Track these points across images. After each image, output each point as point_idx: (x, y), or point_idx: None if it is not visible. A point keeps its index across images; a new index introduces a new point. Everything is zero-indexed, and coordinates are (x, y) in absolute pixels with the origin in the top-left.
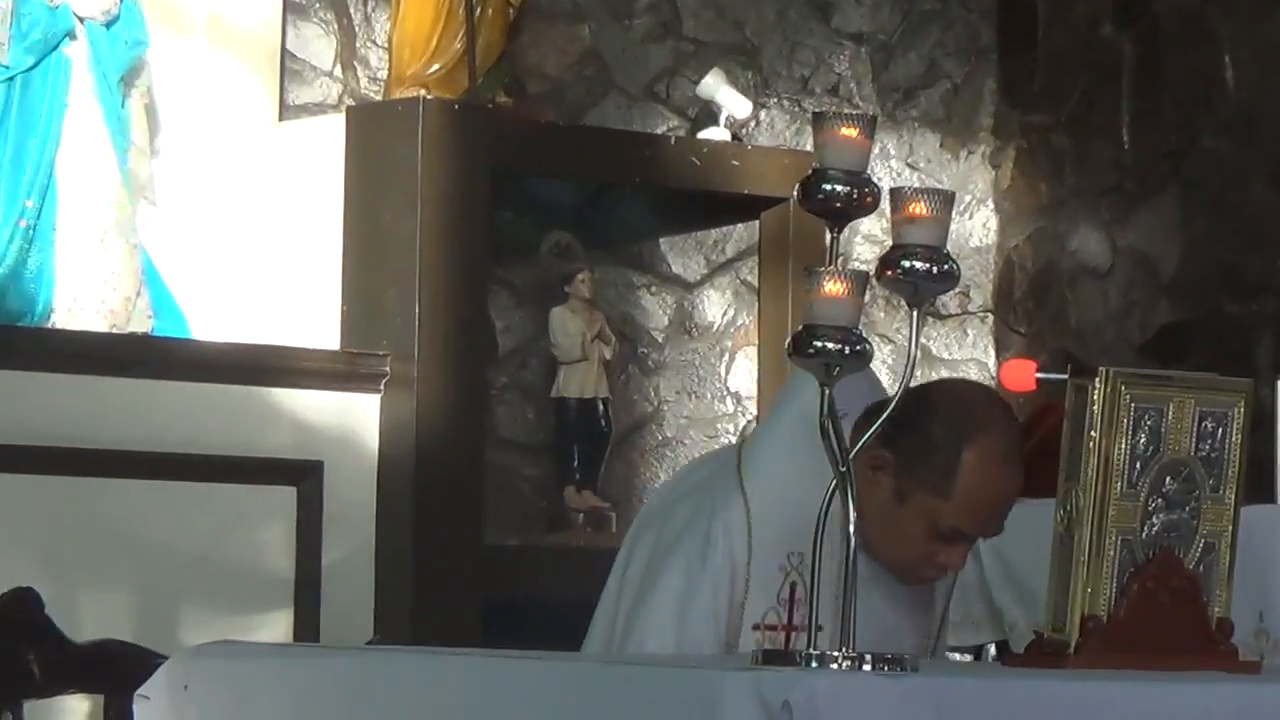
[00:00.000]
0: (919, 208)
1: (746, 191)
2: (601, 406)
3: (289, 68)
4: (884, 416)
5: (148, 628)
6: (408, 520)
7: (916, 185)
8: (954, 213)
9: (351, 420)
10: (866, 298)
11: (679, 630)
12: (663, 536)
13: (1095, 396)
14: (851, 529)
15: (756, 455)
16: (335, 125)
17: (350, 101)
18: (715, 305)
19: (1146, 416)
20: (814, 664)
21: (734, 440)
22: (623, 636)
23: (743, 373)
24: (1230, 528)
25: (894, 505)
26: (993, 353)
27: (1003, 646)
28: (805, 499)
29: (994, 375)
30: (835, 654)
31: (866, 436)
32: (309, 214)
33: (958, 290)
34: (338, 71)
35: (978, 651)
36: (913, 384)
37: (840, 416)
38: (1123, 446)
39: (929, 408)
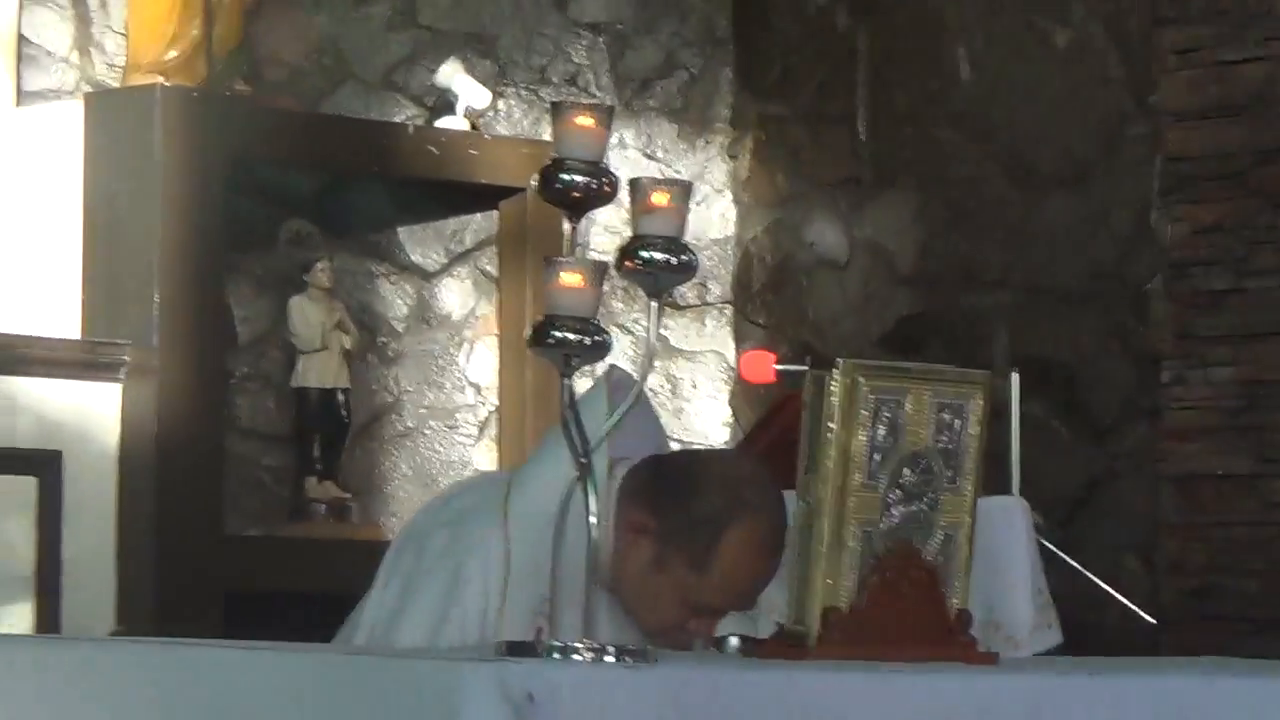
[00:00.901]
0: (657, 198)
1: (485, 181)
2: (342, 396)
3: (25, 53)
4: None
5: None
6: (149, 510)
7: (655, 175)
8: (692, 203)
9: (92, 410)
10: (605, 288)
11: None
12: (419, 563)
13: (833, 388)
14: (593, 520)
15: (523, 495)
16: (74, 111)
17: (88, 88)
18: (454, 295)
19: (885, 408)
20: (556, 655)
21: (488, 444)
22: None
23: (483, 363)
24: (968, 519)
25: (651, 571)
26: (732, 344)
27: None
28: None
29: (733, 366)
30: (579, 644)
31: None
32: (48, 201)
33: (696, 281)
34: (75, 57)
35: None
36: (651, 374)
37: (619, 460)
38: (861, 438)
39: (699, 481)
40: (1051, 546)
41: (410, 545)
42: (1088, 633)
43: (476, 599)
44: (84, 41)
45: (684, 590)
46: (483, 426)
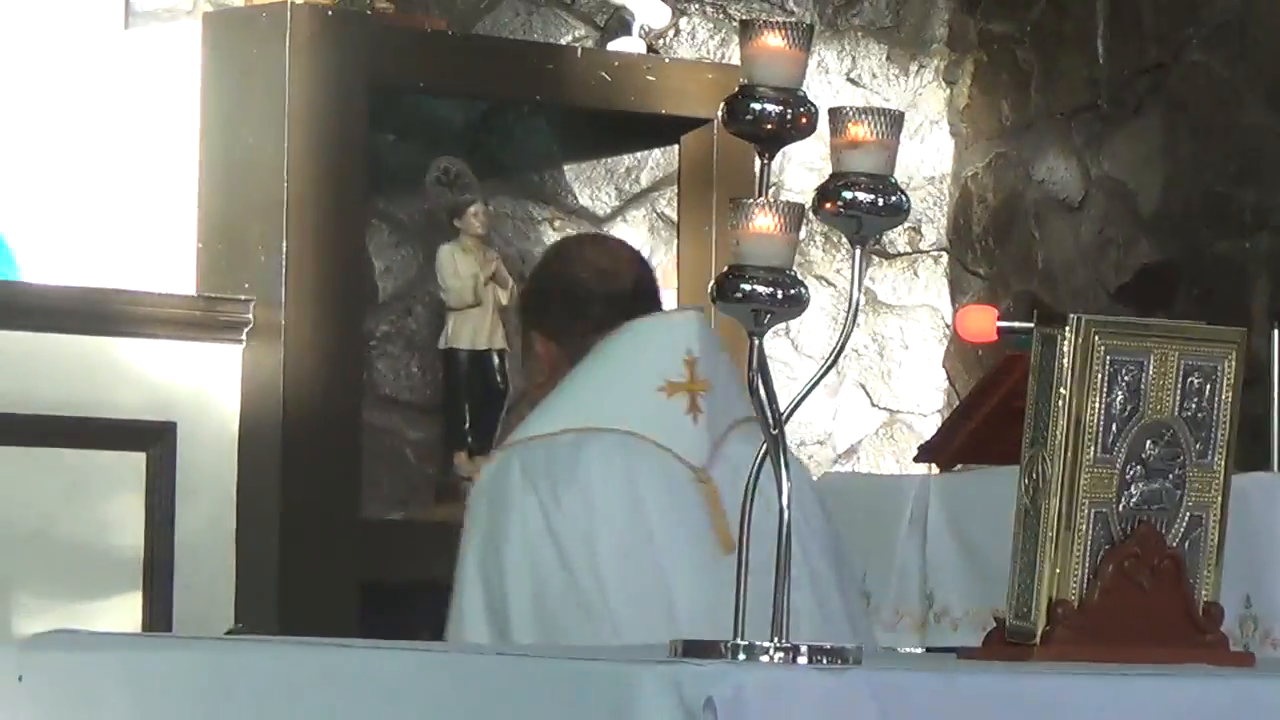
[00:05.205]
0: (862, 130)
1: (664, 111)
2: (497, 359)
3: None
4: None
5: None
6: (273, 490)
7: (860, 105)
8: (903, 136)
9: (209, 375)
10: (802, 234)
11: None
12: None
13: (1065, 348)
14: (785, 500)
15: None
16: (190, 34)
17: (207, 7)
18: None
19: (1124, 371)
20: (742, 656)
21: None
22: None
23: None
24: (1220, 499)
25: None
26: (948, 297)
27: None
28: None
29: (949, 323)
30: (766, 645)
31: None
32: (160, 137)
33: (907, 225)
34: None
35: None
36: (854, 333)
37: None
38: (1096, 405)
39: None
40: None
41: None
42: None
43: None
44: None
45: None
46: None
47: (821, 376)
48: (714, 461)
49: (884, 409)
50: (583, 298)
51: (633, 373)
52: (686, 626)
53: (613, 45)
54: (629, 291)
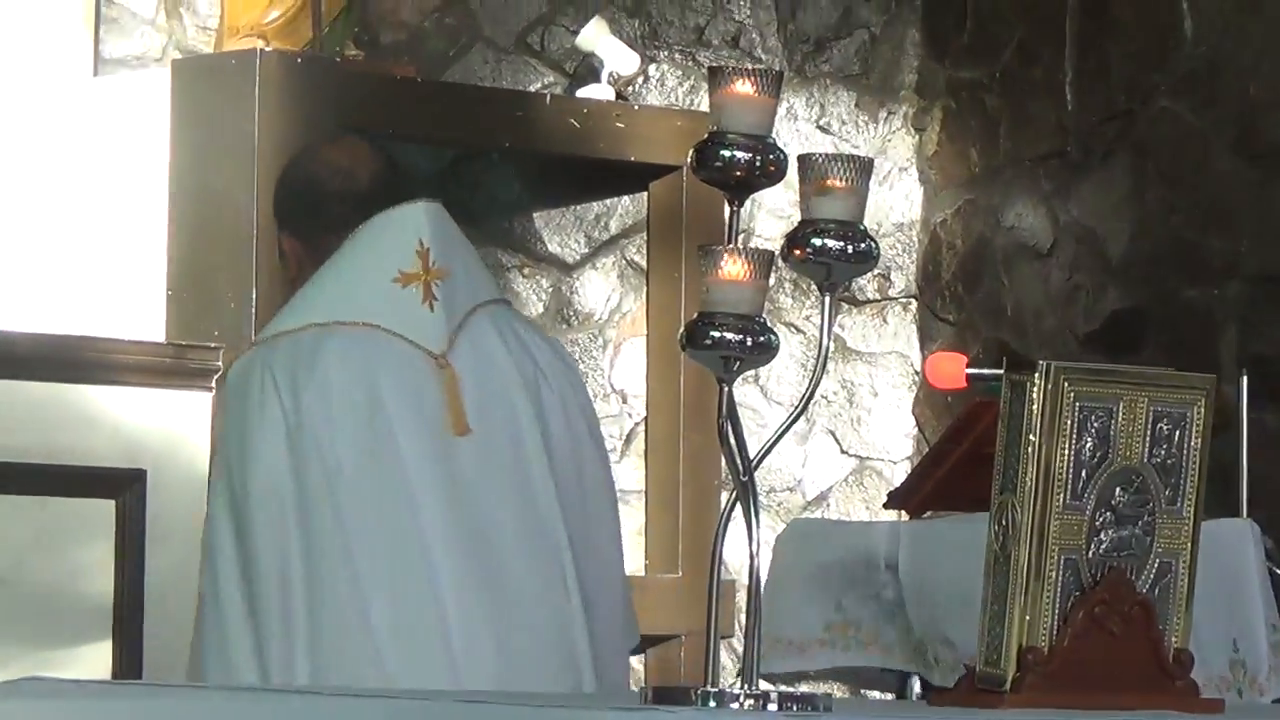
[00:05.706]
0: (832, 178)
1: (633, 158)
2: None
3: (105, 14)
4: None
5: None
6: None
7: (829, 151)
8: (872, 183)
9: (179, 423)
10: (771, 281)
11: None
12: None
13: (1034, 394)
14: (754, 547)
15: None
16: (160, 81)
17: (176, 54)
18: (598, 289)
19: (1093, 417)
20: (711, 703)
21: (618, 444)
22: None
23: (629, 367)
24: (1189, 545)
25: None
26: (917, 344)
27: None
28: None
29: (918, 369)
30: (737, 692)
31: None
32: (129, 183)
33: (876, 272)
34: (161, 19)
35: (903, 685)
36: (824, 379)
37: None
38: (1066, 452)
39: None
40: None
41: None
42: None
43: None
44: (172, 2)
45: None
46: (628, 439)
47: (791, 423)
48: (453, 348)
49: (854, 456)
50: (320, 196)
51: (369, 266)
52: (424, 509)
53: (582, 92)
54: (365, 189)
